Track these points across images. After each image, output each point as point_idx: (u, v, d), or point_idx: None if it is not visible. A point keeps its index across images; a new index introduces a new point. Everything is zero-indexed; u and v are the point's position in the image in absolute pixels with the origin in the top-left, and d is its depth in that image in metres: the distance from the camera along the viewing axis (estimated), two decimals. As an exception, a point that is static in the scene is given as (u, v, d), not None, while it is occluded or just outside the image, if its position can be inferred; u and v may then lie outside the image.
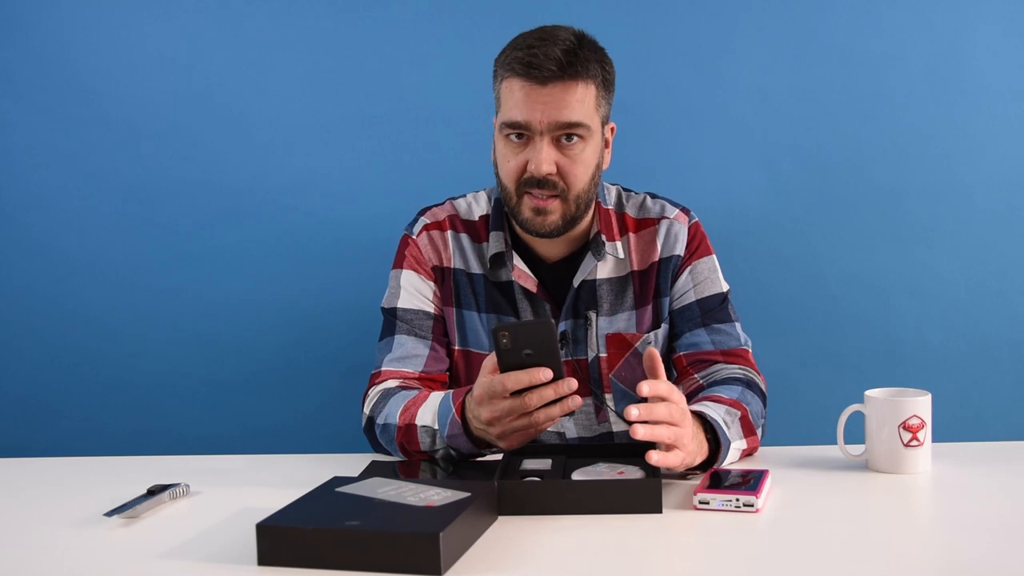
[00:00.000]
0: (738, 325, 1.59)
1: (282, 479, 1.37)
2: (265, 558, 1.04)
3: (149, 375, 2.05)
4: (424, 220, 1.64)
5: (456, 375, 1.62)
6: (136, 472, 1.42)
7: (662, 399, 1.22)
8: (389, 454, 1.51)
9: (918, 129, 1.98)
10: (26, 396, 2.05)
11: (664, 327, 1.60)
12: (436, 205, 1.66)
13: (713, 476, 1.27)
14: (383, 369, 1.57)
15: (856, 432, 1.37)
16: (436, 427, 1.41)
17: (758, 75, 1.98)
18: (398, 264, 1.63)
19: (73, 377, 2.05)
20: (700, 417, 1.33)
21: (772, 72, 1.98)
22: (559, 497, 1.19)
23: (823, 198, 2.00)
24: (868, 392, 1.37)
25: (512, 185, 1.49)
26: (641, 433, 1.19)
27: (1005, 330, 2.00)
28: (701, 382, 1.53)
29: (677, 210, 1.62)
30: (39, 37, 2.00)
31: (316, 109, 2.01)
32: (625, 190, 1.65)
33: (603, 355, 1.58)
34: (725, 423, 1.34)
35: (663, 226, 1.60)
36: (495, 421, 1.28)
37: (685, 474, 1.33)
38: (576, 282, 1.57)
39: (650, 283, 1.59)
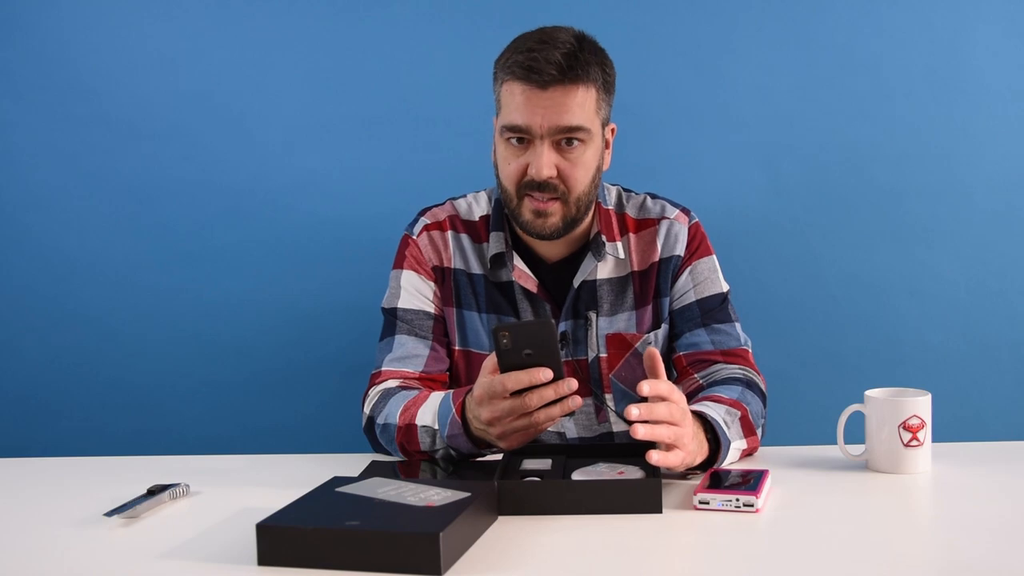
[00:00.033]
0: (738, 325, 1.59)
1: (282, 479, 1.37)
2: (265, 558, 1.04)
3: (149, 375, 2.05)
4: (424, 220, 1.64)
5: (456, 375, 1.62)
6: (136, 472, 1.42)
7: (662, 399, 1.22)
8: (389, 454, 1.51)
9: (918, 129, 1.98)
10: (26, 396, 2.05)
11: (664, 327, 1.60)
12: (436, 205, 1.66)
13: (713, 476, 1.27)
14: (383, 369, 1.57)
15: (856, 432, 1.37)
16: (436, 427, 1.41)
17: (758, 75, 1.98)
18: (398, 264, 1.63)
19: (73, 377, 2.05)
20: (700, 417, 1.33)
21: (772, 72, 1.98)
22: (559, 497, 1.19)
23: (823, 198, 2.00)
24: (868, 392, 1.37)
25: (512, 188, 1.50)
26: (641, 432, 1.19)
27: (1005, 330, 2.00)
28: (701, 382, 1.53)
29: (677, 210, 1.62)
30: (39, 37, 2.00)
31: (316, 109, 2.01)
32: (625, 190, 1.65)
33: (603, 355, 1.58)
34: (725, 423, 1.35)
35: (663, 226, 1.60)
36: (495, 421, 1.28)
37: (685, 474, 1.33)
38: (576, 282, 1.57)
39: (650, 283, 1.59)
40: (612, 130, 1.56)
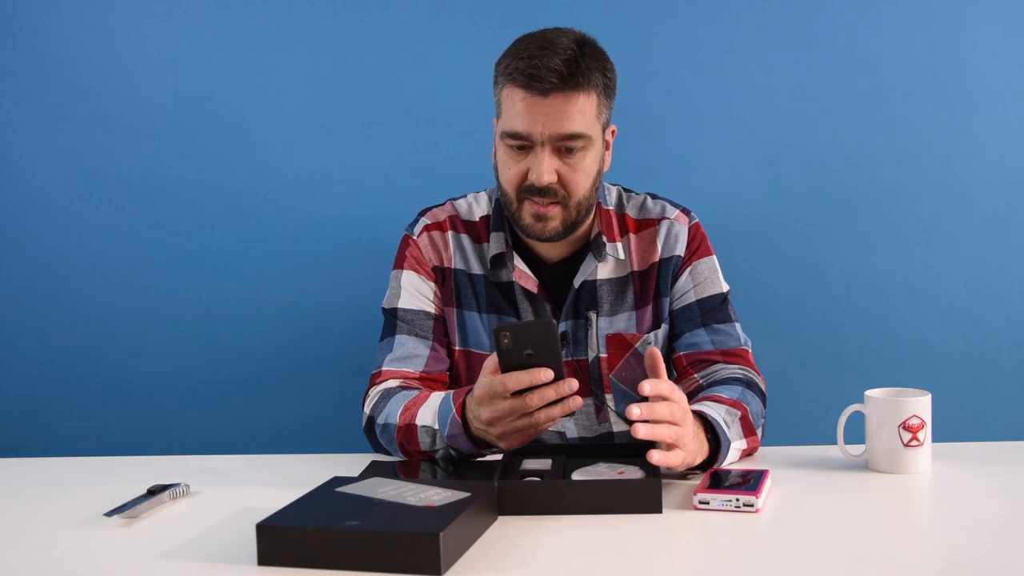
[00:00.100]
0: (738, 325, 1.59)
1: (282, 479, 1.37)
2: (265, 558, 1.04)
3: (149, 375, 2.05)
4: (425, 221, 1.64)
5: (457, 375, 1.62)
6: (136, 472, 1.42)
7: (663, 398, 1.22)
8: (389, 454, 1.51)
9: (918, 129, 1.98)
10: (26, 396, 2.05)
11: (664, 327, 1.60)
12: (436, 206, 1.66)
13: (713, 476, 1.27)
14: (384, 369, 1.57)
15: (856, 432, 1.37)
16: (436, 427, 1.41)
17: (758, 75, 1.98)
18: (399, 265, 1.63)
19: (73, 377, 2.05)
20: (700, 417, 1.33)
21: (772, 72, 1.98)
22: (559, 497, 1.19)
23: (823, 198, 2.00)
24: (868, 392, 1.37)
25: (513, 191, 1.50)
26: (642, 432, 1.19)
27: (1005, 330, 2.00)
28: (701, 382, 1.53)
29: (677, 211, 1.62)
30: (39, 37, 2.00)
31: (316, 109, 2.01)
32: (626, 191, 1.65)
33: (603, 355, 1.58)
34: (725, 423, 1.35)
35: (663, 227, 1.60)
36: (496, 421, 1.28)
37: (685, 474, 1.33)
38: (576, 283, 1.57)
39: (650, 283, 1.59)
40: (612, 132, 1.56)
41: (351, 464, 1.44)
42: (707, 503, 1.18)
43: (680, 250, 1.59)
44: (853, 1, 1.96)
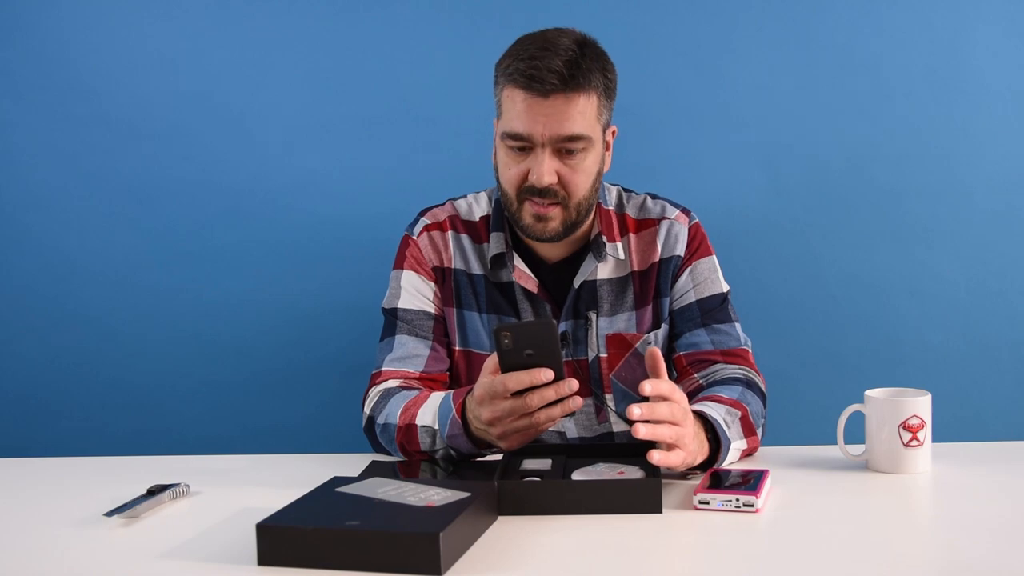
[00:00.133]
0: (738, 325, 1.59)
1: (282, 479, 1.37)
2: (265, 558, 1.04)
3: (149, 375, 2.05)
4: (425, 221, 1.64)
5: (457, 375, 1.62)
6: (136, 472, 1.41)
7: (664, 398, 1.22)
8: (389, 454, 1.51)
9: (918, 129, 1.98)
10: (26, 396, 2.05)
11: (664, 327, 1.60)
12: (436, 206, 1.66)
13: (713, 476, 1.27)
14: (384, 369, 1.57)
15: (856, 432, 1.37)
16: (436, 427, 1.41)
17: (758, 75, 1.98)
18: (399, 265, 1.63)
19: (73, 377, 2.05)
20: (701, 417, 1.33)
21: (772, 72, 1.98)
22: (559, 497, 1.19)
23: (823, 198, 2.00)
24: (868, 392, 1.37)
25: (513, 192, 1.50)
26: (643, 432, 1.19)
27: (1005, 330, 2.00)
28: (701, 382, 1.53)
29: (677, 211, 1.62)
30: (39, 37, 2.00)
31: (316, 109, 2.01)
32: (626, 191, 1.65)
33: (603, 355, 1.58)
34: (726, 423, 1.35)
35: (663, 227, 1.60)
36: (496, 421, 1.28)
37: (685, 474, 1.33)
38: (576, 283, 1.57)
39: (650, 283, 1.59)
40: (613, 132, 1.56)
41: (351, 464, 1.44)
42: (707, 503, 1.18)
43: (680, 250, 1.59)
44: (853, 1, 1.96)
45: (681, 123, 1.99)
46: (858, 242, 2.00)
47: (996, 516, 1.16)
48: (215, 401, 2.05)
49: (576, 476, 1.26)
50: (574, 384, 1.25)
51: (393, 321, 1.60)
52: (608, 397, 1.59)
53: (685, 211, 1.62)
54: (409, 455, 1.46)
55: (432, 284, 1.61)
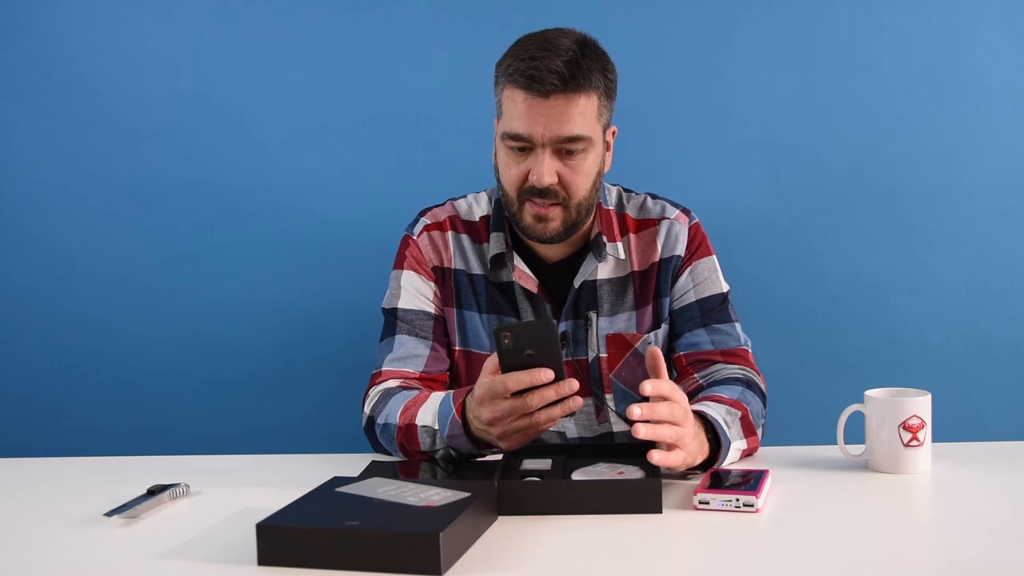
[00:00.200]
0: (738, 325, 1.59)
1: (282, 479, 1.37)
2: (265, 558, 1.04)
3: (149, 375, 2.05)
4: (425, 221, 1.64)
5: (457, 375, 1.62)
6: (136, 472, 1.41)
7: (664, 398, 1.22)
8: (389, 454, 1.51)
9: (918, 129, 1.98)
10: (26, 396, 2.05)
11: (664, 327, 1.60)
12: (436, 206, 1.66)
13: (713, 476, 1.27)
14: (384, 369, 1.57)
15: (856, 432, 1.37)
16: (436, 427, 1.41)
17: (758, 75, 1.98)
18: (399, 265, 1.63)
19: (73, 377, 2.05)
20: (701, 417, 1.33)
21: (772, 72, 1.98)
22: (559, 497, 1.19)
23: (823, 198, 2.00)
24: (868, 392, 1.37)
25: (513, 192, 1.50)
26: (643, 432, 1.19)
27: (1005, 330, 2.00)
28: (701, 382, 1.53)
29: (677, 211, 1.62)
30: (39, 37, 2.00)
31: (316, 109, 2.01)
32: (626, 191, 1.65)
33: (603, 355, 1.58)
34: (726, 423, 1.35)
35: (663, 227, 1.60)
36: (496, 421, 1.28)
37: (685, 474, 1.33)
38: (577, 283, 1.57)
39: (650, 283, 1.59)
40: (613, 132, 1.56)
41: (351, 464, 1.44)
42: (707, 503, 1.18)
43: (680, 250, 1.59)
44: (853, 1, 1.96)
45: (681, 123, 1.99)
46: (858, 242, 2.00)
47: (996, 516, 1.16)
48: (215, 401, 2.05)
49: (576, 476, 1.26)
50: (574, 384, 1.25)
51: (393, 321, 1.60)
52: (608, 397, 1.59)
53: (685, 211, 1.62)
54: (409, 455, 1.46)
55: (432, 284, 1.61)
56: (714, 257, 1.61)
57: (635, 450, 1.30)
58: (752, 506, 1.17)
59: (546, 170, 1.45)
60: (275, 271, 2.03)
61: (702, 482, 1.24)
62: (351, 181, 2.01)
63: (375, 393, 1.54)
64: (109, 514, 1.20)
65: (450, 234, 1.62)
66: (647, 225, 1.61)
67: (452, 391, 1.44)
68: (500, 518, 1.18)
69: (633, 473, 1.25)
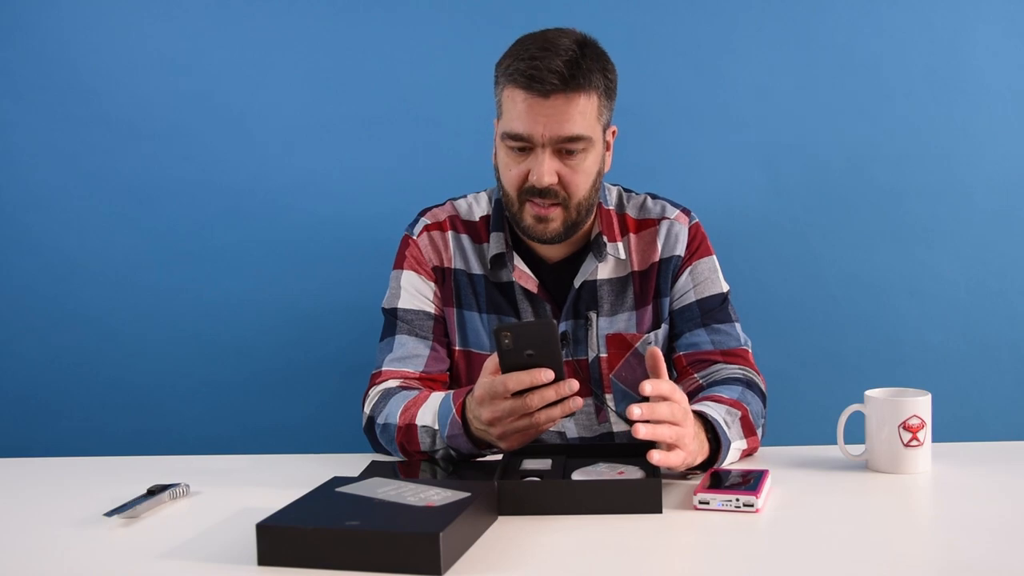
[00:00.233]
0: (738, 325, 1.59)
1: (282, 479, 1.37)
2: (265, 558, 1.04)
3: (149, 375, 2.05)
4: (425, 221, 1.64)
5: (457, 375, 1.62)
6: (136, 472, 1.41)
7: (664, 398, 1.22)
8: (389, 454, 1.51)
9: (918, 129, 1.98)
10: (26, 396, 2.05)
11: (664, 327, 1.60)
12: (436, 206, 1.66)
13: (713, 476, 1.27)
14: (384, 369, 1.57)
15: (856, 432, 1.37)
16: (436, 427, 1.41)
17: (758, 75, 1.98)
18: (399, 265, 1.63)
19: (73, 377, 2.05)
20: (701, 417, 1.33)
21: (772, 72, 1.98)
22: (559, 497, 1.19)
23: (823, 198, 2.00)
24: (868, 392, 1.37)
25: (514, 192, 1.50)
26: (643, 432, 1.19)
27: (1005, 330, 2.00)
28: (701, 382, 1.53)
29: (678, 211, 1.62)
30: (39, 37, 2.00)
31: (316, 109, 2.01)
32: (626, 191, 1.65)
33: (603, 355, 1.58)
34: (726, 423, 1.35)
35: (663, 227, 1.60)
36: (496, 422, 1.28)
37: (685, 474, 1.33)
38: (577, 283, 1.57)
39: (650, 283, 1.59)
40: (613, 132, 1.56)
41: (351, 464, 1.44)
42: (707, 503, 1.18)
43: (680, 250, 1.59)
44: (853, 1, 1.96)
45: (681, 123, 1.99)
46: (858, 242, 2.00)
47: (996, 516, 1.16)
48: (215, 401, 2.05)
49: (576, 476, 1.26)
50: (574, 384, 1.25)
51: (393, 321, 1.60)
52: (608, 397, 1.59)
53: (685, 211, 1.62)
54: (409, 455, 1.46)
55: (432, 284, 1.61)
56: (714, 257, 1.61)
57: (635, 450, 1.30)
58: (752, 506, 1.17)
59: (546, 170, 1.45)
60: (275, 271, 2.03)
61: (702, 482, 1.24)
62: (351, 181, 2.01)
63: (375, 393, 1.54)
64: (109, 514, 1.20)
65: (450, 234, 1.62)
66: (647, 225, 1.61)
67: (452, 391, 1.44)
68: (500, 518, 1.18)
69: (633, 473, 1.25)
